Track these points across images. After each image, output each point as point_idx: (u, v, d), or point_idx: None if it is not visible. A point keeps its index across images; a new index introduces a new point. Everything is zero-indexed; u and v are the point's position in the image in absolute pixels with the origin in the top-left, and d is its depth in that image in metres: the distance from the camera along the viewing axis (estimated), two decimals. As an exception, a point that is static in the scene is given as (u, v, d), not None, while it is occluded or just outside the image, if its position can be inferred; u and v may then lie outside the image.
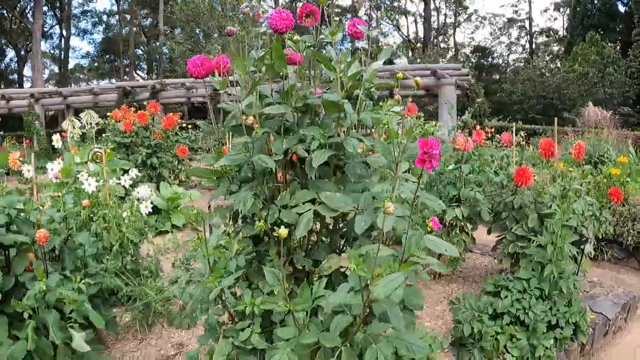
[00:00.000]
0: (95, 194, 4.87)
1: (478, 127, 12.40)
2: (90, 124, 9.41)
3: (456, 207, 5.04)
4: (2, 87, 46.12)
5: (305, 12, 2.71)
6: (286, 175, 2.74)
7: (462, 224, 5.22)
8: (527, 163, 8.92)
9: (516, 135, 5.65)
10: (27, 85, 50.25)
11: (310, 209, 2.42)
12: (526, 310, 3.94)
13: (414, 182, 2.82)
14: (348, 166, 2.56)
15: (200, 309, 2.72)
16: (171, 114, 11.21)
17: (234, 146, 2.68)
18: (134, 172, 5.61)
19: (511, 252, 4.70)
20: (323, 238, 2.84)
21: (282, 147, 2.53)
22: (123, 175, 5.61)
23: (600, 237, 4.98)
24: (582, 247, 4.64)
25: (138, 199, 5.28)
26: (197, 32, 38.32)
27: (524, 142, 6.03)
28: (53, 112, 30.36)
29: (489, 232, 5.31)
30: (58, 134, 6.74)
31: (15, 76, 53.13)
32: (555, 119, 5.26)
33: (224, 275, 2.46)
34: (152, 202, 8.42)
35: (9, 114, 24.29)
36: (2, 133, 20.37)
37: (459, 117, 5.80)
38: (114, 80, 52.44)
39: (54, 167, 4.70)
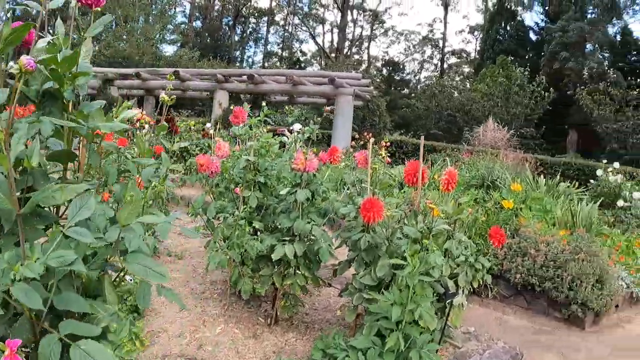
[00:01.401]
0: None
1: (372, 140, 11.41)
2: None
3: (288, 244, 3.87)
4: None
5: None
6: None
7: (295, 264, 4.03)
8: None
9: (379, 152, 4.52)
10: None
11: None
12: (354, 399, 2.81)
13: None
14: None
15: None
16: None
17: None
18: None
19: (356, 305, 3.58)
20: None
21: None
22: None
23: (477, 286, 3.93)
24: (449, 301, 3.59)
25: None
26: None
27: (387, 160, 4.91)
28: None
29: (334, 274, 4.16)
30: None
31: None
32: (422, 136, 4.19)
33: None
34: None
35: None
36: None
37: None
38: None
39: None
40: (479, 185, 9.45)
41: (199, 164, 4.50)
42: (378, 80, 41.99)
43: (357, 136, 16.68)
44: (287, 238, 3.97)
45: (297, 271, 4.12)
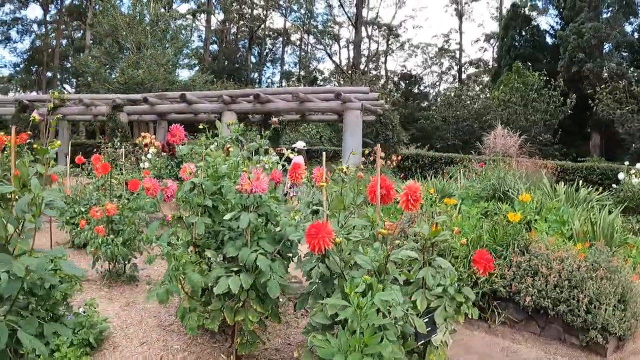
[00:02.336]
0: None
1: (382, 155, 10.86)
2: None
3: (234, 275, 3.28)
4: None
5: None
6: None
7: (245, 298, 3.44)
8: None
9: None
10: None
11: None
12: None
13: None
14: None
15: None
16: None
17: None
18: None
19: (310, 347, 2.98)
20: None
21: None
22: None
23: (463, 320, 3.29)
24: (425, 340, 2.98)
25: None
26: (114, 46, 36.63)
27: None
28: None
29: (295, 308, 3.57)
30: None
31: None
32: (379, 145, 3.59)
33: None
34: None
35: None
36: None
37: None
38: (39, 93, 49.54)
39: None
40: (490, 196, 8.80)
41: (145, 188, 4.03)
42: (397, 94, 41.51)
43: (366, 152, 16.23)
44: (236, 268, 3.39)
45: (250, 306, 3.52)
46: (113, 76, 35.51)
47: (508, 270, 5.66)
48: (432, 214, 3.06)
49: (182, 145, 4.07)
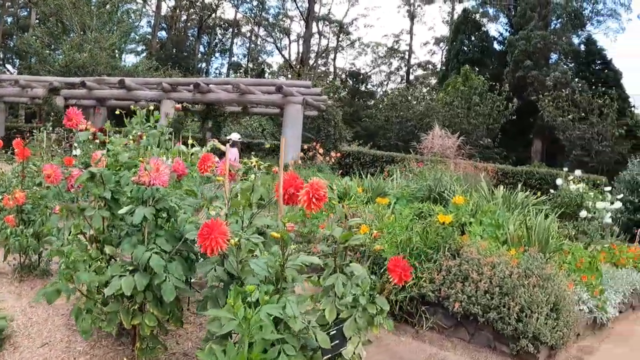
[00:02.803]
0: None
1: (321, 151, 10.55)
2: None
3: (128, 275, 2.93)
4: None
5: None
6: None
7: (142, 300, 3.10)
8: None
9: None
10: None
11: None
12: None
13: None
14: None
15: None
16: None
17: None
18: None
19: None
20: None
21: None
22: None
23: (377, 332, 3.00)
24: (332, 354, 2.68)
25: None
26: (58, 27, 35.39)
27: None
28: None
29: (197, 311, 3.25)
30: None
31: None
32: (284, 138, 3.30)
33: None
34: None
35: None
36: None
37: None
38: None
39: None
40: (426, 197, 8.62)
41: (45, 175, 3.63)
42: (344, 91, 41.43)
43: (305, 147, 16.03)
44: (131, 268, 3.03)
45: (148, 309, 3.18)
46: (55, 59, 34.16)
47: (438, 275, 5.46)
48: (344, 215, 2.77)
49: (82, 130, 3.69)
